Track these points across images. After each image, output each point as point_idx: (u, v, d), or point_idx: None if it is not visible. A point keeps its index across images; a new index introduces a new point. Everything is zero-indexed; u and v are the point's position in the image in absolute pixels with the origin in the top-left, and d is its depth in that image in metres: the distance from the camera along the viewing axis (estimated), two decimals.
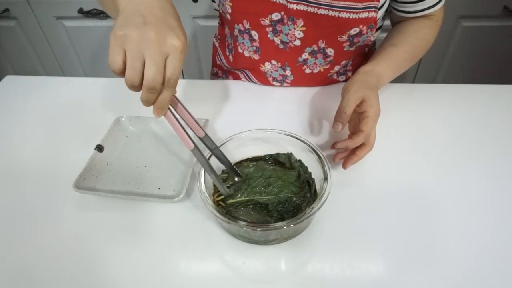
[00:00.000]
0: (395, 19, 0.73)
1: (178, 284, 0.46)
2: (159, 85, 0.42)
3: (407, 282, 0.45)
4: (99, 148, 0.60)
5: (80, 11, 1.33)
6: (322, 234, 0.50)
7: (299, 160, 0.55)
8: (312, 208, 0.46)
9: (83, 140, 0.65)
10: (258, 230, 0.45)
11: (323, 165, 0.51)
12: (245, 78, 0.82)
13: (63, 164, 0.61)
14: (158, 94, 0.43)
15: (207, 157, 0.51)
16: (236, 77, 0.84)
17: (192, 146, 0.48)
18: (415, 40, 0.69)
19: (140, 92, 0.43)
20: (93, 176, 0.57)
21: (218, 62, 0.88)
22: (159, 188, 0.56)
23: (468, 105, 0.70)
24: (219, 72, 0.90)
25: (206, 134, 0.51)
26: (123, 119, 0.66)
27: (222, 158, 0.52)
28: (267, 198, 0.50)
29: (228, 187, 0.52)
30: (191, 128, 0.50)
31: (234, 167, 0.53)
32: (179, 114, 0.48)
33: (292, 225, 0.44)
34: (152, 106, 0.44)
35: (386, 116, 0.68)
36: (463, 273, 0.46)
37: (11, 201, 0.57)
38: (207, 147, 0.52)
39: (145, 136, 0.65)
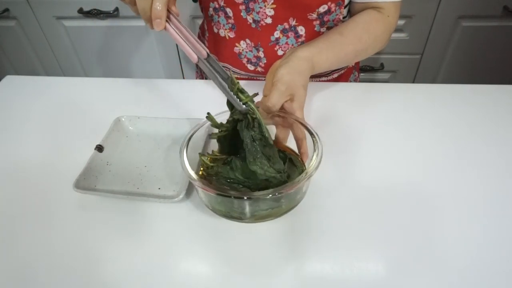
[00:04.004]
0: (351, 9, 0.73)
1: (178, 283, 0.46)
2: None
3: (407, 282, 0.45)
4: (99, 148, 0.60)
5: (80, 11, 1.33)
6: (321, 233, 0.50)
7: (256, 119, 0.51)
8: (307, 173, 0.45)
9: (83, 140, 0.65)
10: (245, 198, 0.45)
11: (312, 135, 0.51)
12: None
13: (63, 164, 0.61)
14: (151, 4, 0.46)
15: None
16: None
17: (196, 58, 0.49)
18: (363, 33, 0.67)
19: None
20: (93, 176, 0.57)
21: None
22: (159, 188, 0.56)
23: (468, 105, 0.70)
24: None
25: (209, 54, 0.50)
26: (123, 119, 0.66)
27: (223, 75, 0.51)
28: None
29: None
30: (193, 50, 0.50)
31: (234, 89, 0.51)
32: (180, 34, 0.49)
33: (281, 193, 0.44)
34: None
35: (386, 115, 0.69)
36: (464, 273, 0.46)
37: (10, 201, 0.57)
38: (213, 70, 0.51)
39: (145, 136, 0.65)
